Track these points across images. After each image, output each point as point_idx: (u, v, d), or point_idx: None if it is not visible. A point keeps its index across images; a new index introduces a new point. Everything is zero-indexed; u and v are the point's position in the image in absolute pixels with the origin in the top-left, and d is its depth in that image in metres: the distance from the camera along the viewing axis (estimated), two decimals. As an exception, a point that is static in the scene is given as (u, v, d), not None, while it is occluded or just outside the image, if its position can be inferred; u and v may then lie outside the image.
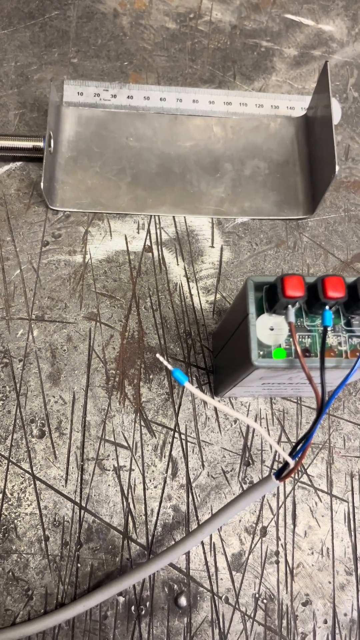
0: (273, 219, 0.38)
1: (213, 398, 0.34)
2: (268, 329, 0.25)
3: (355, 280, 0.24)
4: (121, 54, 0.41)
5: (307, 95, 0.41)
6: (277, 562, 0.31)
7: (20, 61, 0.40)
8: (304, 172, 0.39)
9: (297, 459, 0.25)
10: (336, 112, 0.41)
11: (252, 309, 0.24)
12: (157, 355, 0.21)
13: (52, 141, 0.36)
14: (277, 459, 0.33)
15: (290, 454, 0.25)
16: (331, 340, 0.25)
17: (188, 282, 0.36)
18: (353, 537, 0.32)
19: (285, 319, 0.24)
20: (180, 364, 0.34)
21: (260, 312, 0.25)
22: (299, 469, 0.33)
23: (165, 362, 0.22)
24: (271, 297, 0.24)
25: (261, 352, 0.24)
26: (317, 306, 0.24)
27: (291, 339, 0.24)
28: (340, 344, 0.25)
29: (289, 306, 0.23)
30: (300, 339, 0.25)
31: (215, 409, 0.33)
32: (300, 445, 0.25)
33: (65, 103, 0.39)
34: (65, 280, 0.35)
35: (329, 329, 0.25)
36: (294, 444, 0.33)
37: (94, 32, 0.42)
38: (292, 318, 0.23)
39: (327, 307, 0.23)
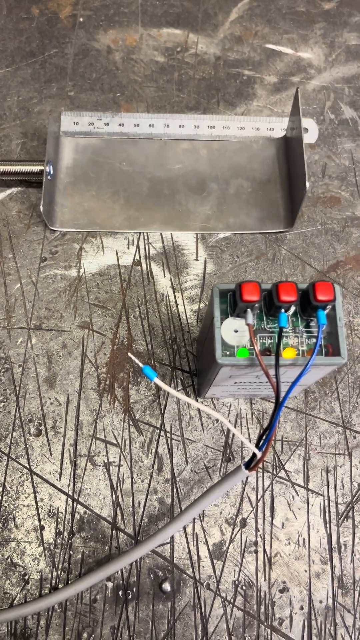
0: (255, 233, 0.41)
1: (197, 400, 0.36)
2: (232, 331, 0.27)
3: (308, 285, 0.26)
4: (114, 86, 0.45)
5: (285, 117, 0.44)
6: (256, 552, 0.33)
7: (22, 95, 0.44)
8: (284, 189, 0.42)
9: (262, 450, 0.27)
10: (313, 132, 0.44)
11: (217, 313, 0.27)
12: (129, 354, 0.24)
13: (51, 168, 0.39)
14: (255, 455, 0.35)
15: (256, 446, 0.27)
16: (292, 340, 0.28)
17: (174, 292, 0.39)
18: (328, 529, 0.34)
19: (245, 320, 0.27)
20: (166, 368, 0.37)
21: (227, 316, 0.28)
22: (276, 465, 0.35)
23: (135, 360, 0.25)
24: (234, 302, 0.27)
25: (227, 352, 0.27)
26: (274, 309, 0.27)
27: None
28: (299, 344, 0.28)
29: (248, 309, 0.26)
30: (262, 340, 0.28)
31: (199, 409, 0.36)
32: (265, 437, 0.27)
33: (63, 132, 0.43)
34: (61, 293, 0.38)
35: (289, 330, 0.28)
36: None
37: (89, 67, 0.46)
38: (250, 320, 0.26)
39: (282, 310, 0.26)
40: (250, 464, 0.28)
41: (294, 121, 0.40)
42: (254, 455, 0.28)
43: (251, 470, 0.28)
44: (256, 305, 0.26)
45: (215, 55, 0.47)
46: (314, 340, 0.28)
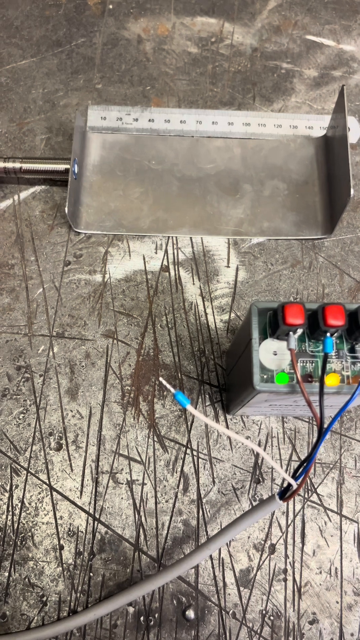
0: (291, 239, 0.38)
1: (225, 416, 0.34)
2: (271, 354, 0.25)
3: (357, 308, 0.24)
4: (144, 78, 0.43)
5: (326, 115, 0.41)
6: (285, 580, 0.31)
7: (48, 88, 0.42)
8: (323, 192, 0.40)
9: (299, 481, 0.25)
10: (355, 131, 0.41)
11: (255, 334, 0.25)
12: (160, 379, 0.22)
13: (76, 167, 0.37)
14: (287, 477, 0.33)
15: (293, 476, 0.25)
16: (335, 365, 0.26)
17: (203, 301, 0.37)
18: (362, 559, 0.32)
19: (287, 345, 0.24)
20: (193, 382, 0.35)
21: (265, 336, 0.26)
22: (308, 488, 0.33)
23: (167, 386, 0.23)
24: (275, 322, 0.25)
25: (264, 376, 0.25)
26: (318, 333, 0.24)
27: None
28: (343, 369, 0.26)
29: (290, 333, 0.24)
30: (303, 364, 0.25)
31: (227, 426, 0.34)
32: (303, 467, 0.25)
33: (89, 128, 0.41)
34: (85, 299, 0.36)
35: (332, 354, 0.26)
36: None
37: (118, 58, 0.43)
38: (292, 345, 0.24)
39: (328, 334, 0.24)
40: (285, 494, 0.26)
41: (336, 119, 0.38)
42: (289, 484, 0.26)
43: (285, 500, 0.26)
44: (299, 329, 0.24)
45: (252, 46, 0.44)
46: (359, 365, 0.25)
